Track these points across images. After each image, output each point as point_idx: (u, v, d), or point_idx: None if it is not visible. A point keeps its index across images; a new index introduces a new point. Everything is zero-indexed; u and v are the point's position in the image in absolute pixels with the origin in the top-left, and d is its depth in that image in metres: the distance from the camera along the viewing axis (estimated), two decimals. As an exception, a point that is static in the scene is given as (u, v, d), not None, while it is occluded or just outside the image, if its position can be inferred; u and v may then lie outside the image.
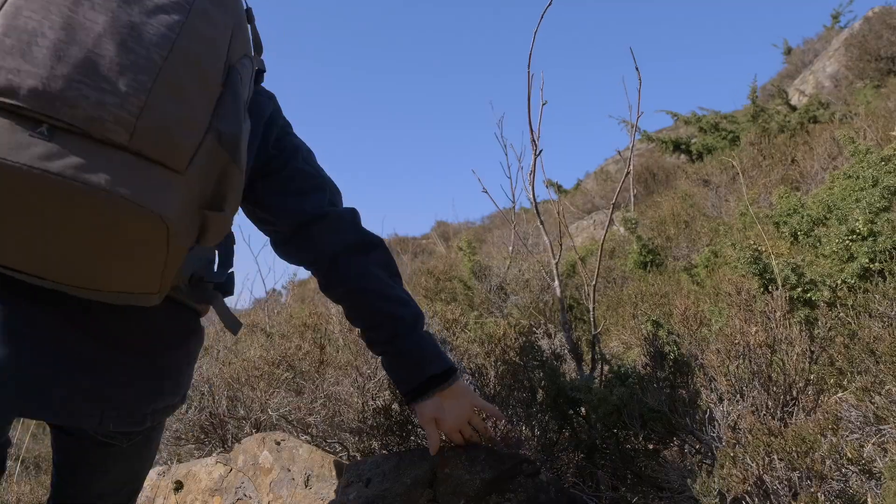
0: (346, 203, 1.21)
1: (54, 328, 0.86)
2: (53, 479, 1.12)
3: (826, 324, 1.59)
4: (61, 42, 0.73)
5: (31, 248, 0.76)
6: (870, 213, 1.94)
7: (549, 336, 2.80)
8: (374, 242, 1.16)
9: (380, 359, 1.20)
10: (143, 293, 0.83)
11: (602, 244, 2.66)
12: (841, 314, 1.61)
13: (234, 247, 1.12)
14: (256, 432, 2.03)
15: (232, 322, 1.06)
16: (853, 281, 1.82)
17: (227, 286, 1.08)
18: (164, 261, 0.79)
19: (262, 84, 1.13)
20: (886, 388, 1.21)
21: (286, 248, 1.16)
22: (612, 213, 2.68)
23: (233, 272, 1.10)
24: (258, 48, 1.08)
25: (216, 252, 1.06)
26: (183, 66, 0.79)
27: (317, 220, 1.11)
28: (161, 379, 0.99)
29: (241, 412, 2.08)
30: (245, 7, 1.00)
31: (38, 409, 0.88)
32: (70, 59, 0.72)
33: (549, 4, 2.57)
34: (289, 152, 1.13)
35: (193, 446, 2.13)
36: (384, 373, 1.98)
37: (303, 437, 1.98)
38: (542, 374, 2.01)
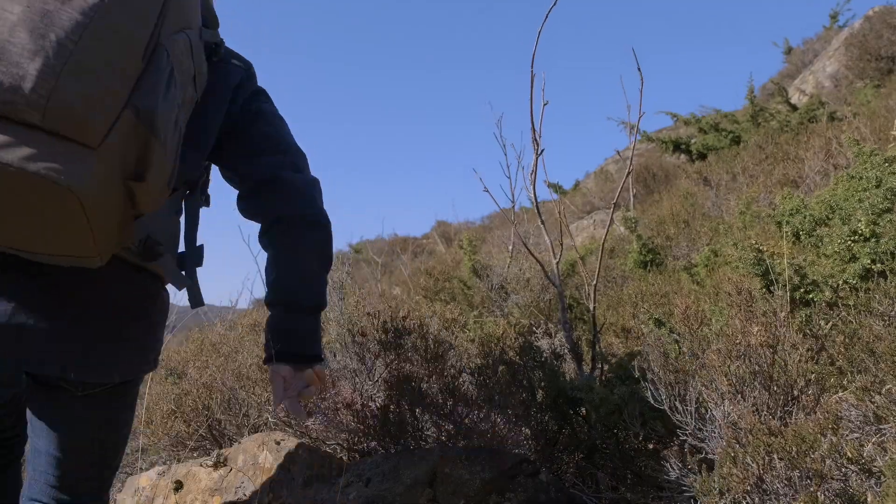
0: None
1: (32, 294, 0.99)
2: (29, 457, 1.17)
3: (827, 323, 1.59)
4: None
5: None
6: (872, 214, 1.94)
7: (550, 336, 2.80)
8: (318, 222, 1.20)
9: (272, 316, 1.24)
10: (83, 256, 0.93)
11: (603, 244, 2.66)
12: (842, 313, 1.61)
13: (200, 210, 1.21)
14: (255, 432, 2.03)
15: (178, 280, 1.14)
16: (855, 281, 1.82)
17: (194, 257, 1.18)
18: (88, 227, 0.88)
19: (241, 55, 1.24)
20: (887, 387, 1.21)
21: (242, 204, 1.23)
22: (612, 213, 2.68)
23: (202, 245, 1.20)
24: (212, 21, 1.15)
25: (180, 221, 1.17)
26: (96, 48, 0.85)
27: (269, 182, 1.17)
28: (124, 339, 1.08)
29: (240, 418, 2.08)
30: None
31: (10, 356, 0.99)
32: None
33: (554, 4, 2.56)
34: (252, 115, 1.20)
35: (193, 443, 2.13)
36: (383, 375, 1.98)
37: (302, 438, 1.98)
38: (542, 374, 2.01)
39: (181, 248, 1.21)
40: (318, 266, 1.22)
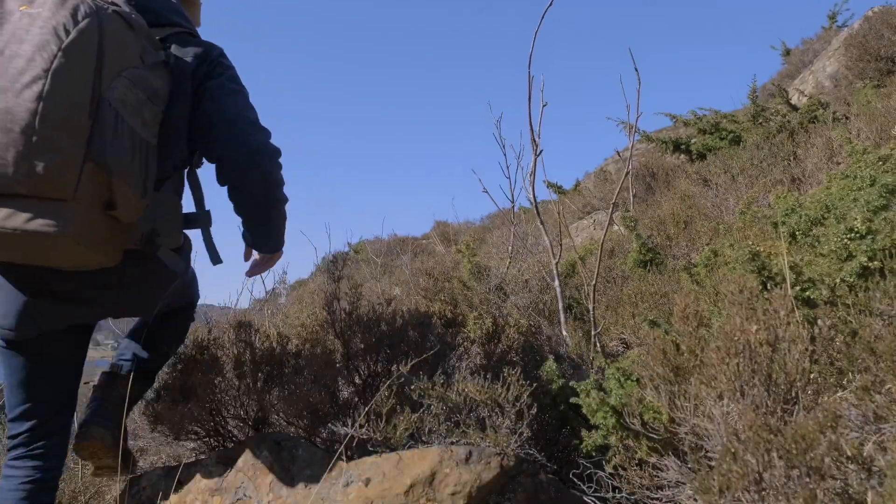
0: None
1: (64, 284, 1.40)
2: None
3: (826, 322, 1.59)
4: None
5: (22, 255, 1.23)
6: (868, 211, 1.94)
7: (549, 336, 2.80)
8: (248, 191, 1.50)
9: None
10: (100, 263, 1.30)
11: (602, 244, 2.66)
12: (841, 313, 1.61)
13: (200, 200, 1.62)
14: (255, 431, 2.03)
15: (174, 264, 1.50)
16: (852, 279, 1.82)
17: (204, 220, 1.61)
18: (90, 250, 1.23)
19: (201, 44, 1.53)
20: (887, 386, 1.21)
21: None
22: (611, 213, 2.68)
23: (209, 210, 1.62)
24: (155, 46, 1.41)
25: (178, 201, 1.56)
26: (49, 126, 1.14)
27: (218, 161, 1.47)
28: (145, 300, 1.59)
29: (240, 413, 2.07)
30: (126, 21, 1.31)
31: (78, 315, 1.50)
32: None
33: (550, 5, 2.57)
34: (200, 95, 1.47)
35: (193, 443, 2.13)
36: (381, 375, 1.98)
37: (301, 436, 1.98)
38: (542, 373, 2.01)
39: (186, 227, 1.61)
40: (263, 218, 1.58)
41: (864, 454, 1.05)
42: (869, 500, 1.01)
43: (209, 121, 1.46)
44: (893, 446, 1.06)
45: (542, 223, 2.67)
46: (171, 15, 1.53)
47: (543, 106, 2.64)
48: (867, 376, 1.25)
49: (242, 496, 1.71)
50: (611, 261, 4.00)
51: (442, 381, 1.81)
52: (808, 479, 0.98)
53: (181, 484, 1.81)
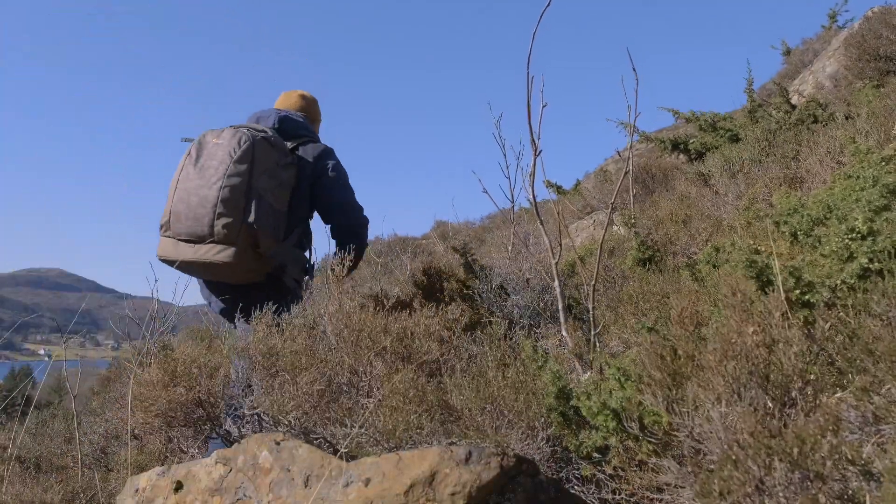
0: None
1: (230, 293, 2.58)
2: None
3: (825, 324, 1.59)
4: (185, 216, 2.33)
5: (212, 275, 2.47)
6: (869, 211, 1.94)
7: (550, 336, 2.80)
8: (353, 242, 2.58)
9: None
10: (251, 280, 2.46)
11: (602, 244, 2.66)
12: (840, 314, 1.61)
13: (308, 250, 2.74)
14: (255, 429, 2.03)
15: (290, 284, 2.52)
16: (853, 281, 1.81)
17: (307, 271, 2.63)
18: (247, 271, 2.37)
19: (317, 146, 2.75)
20: (886, 387, 1.21)
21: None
22: (611, 214, 2.68)
23: (314, 263, 2.74)
24: (286, 154, 2.54)
25: (299, 251, 2.63)
26: (226, 206, 2.25)
27: (337, 230, 2.69)
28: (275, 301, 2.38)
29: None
30: (269, 143, 2.43)
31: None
32: (189, 219, 2.31)
33: (548, 5, 2.56)
34: (324, 190, 2.63)
35: (188, 432, 2.12)
36: (380, 372, 1.98)
37: (301, 436, 1.98)
38: (542, 374, 2.01)
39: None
40: (356, 255, 2.59)
41: (864, 456, 1.06)
42: (868, 502, 1.01)
43: (330, 207, 2.64)
44: (892, 448, 1.06)
45: (541, 223, 2.67)
46: (300, 130, 2.68)
47: (543, 106, 2.64)
48: (866, 377, 1.25)
49: (242, 496, 1.71)
50: (611, 260, 3.99)
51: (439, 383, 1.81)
52: (809, 483, 0.98)
53: (181, 484, 1.81)
